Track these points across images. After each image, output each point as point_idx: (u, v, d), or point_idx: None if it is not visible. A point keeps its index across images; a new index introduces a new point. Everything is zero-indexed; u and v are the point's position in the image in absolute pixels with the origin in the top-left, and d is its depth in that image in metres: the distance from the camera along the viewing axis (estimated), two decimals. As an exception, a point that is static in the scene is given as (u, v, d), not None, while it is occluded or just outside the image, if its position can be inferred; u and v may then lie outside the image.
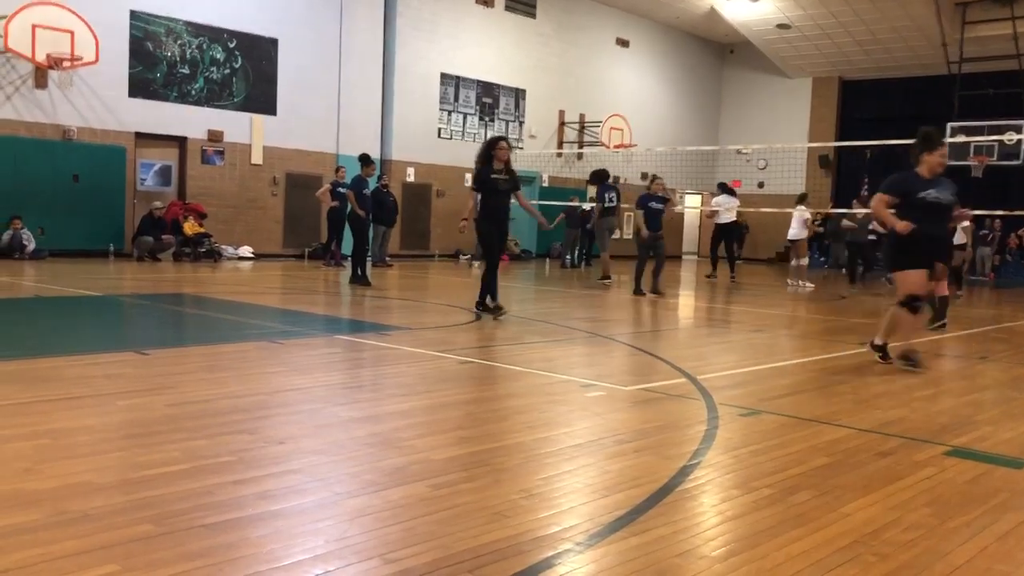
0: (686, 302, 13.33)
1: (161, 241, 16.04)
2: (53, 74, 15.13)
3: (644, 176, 25.62)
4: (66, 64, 14.85)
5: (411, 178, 20.74)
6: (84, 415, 4.27)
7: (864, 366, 6.95)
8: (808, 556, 2.78)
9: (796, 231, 16.33)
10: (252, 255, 17.68)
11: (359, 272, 12.76)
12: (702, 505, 3.34)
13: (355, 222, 13.27)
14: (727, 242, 17.27)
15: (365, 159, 13.76)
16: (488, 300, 9.13)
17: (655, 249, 12.93)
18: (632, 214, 18.55)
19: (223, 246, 17.18)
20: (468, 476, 3.49)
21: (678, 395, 5.40)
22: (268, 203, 18.47)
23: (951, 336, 9.44)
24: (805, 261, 16.50)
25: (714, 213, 17.38)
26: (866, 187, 24.72)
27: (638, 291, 12.74)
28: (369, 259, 13.90)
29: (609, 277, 15.00)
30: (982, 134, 20.36)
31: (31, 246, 14.82)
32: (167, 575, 2.42)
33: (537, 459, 3.84)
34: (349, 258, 15.04)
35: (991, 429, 4.81)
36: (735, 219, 17.51)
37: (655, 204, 12.82)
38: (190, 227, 16.47)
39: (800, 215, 16.31)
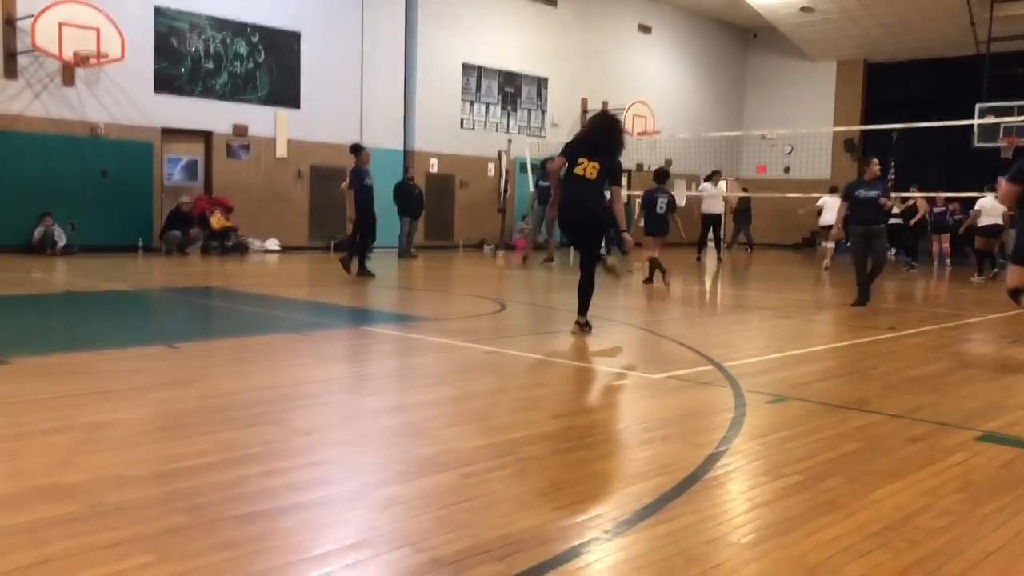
0: (711, 289, 13.26)
1: (188, 235, 16.18)
2: (80, 71, 15.27)
3: (668, 163, 25.52)
4: (92, 61, 14.97)
5: (434, 169, 20.75)
6: (116, 408, 4.33)
7: (893, 351, 6.88)
8: (838, 542, 2.76)
9: (830, 218, 16.81)
10: (279, 248, 17.79)
11: (363, 265, 12.44)
12: (730, 492, 3.33)
13: (361, 213, 12.49)
14: (714, 228, 18.70)
15: (356, 149, 12.83)
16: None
17: (873, 249, 10.07)
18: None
19: (250, 239, 17.30)
20: (497, 465, 3.50)
21: (705, 382, 5.39)
22: (293, 196, 18.57)
23: (981, 320, 9.33)
24: (832, 245, 17.15)
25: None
26: (893, 171, 24.47)
27: (861, 301, 10.03)
28: (368, 256, 13.17)
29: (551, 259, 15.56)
30: (1011, 115, 20.03)
31: (62, 242, 14.99)
32: (200, 565, 2.45)
33: (564, 448, 3.85)
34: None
35: (1023, 414, 4.75)
36: (719, 211, 18.79)
37: (864, 192, 9.95)
38: (217, 221, 16.59)
39: (836, 203, 16.77)
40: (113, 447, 3.63)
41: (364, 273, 12.39)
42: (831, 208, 16.98)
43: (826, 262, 17.08)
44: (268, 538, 2.68)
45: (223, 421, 4.09)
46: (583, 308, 7.27)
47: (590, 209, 7.16)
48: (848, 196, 10.13)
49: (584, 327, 7.23)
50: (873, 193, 10.01)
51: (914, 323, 8.75)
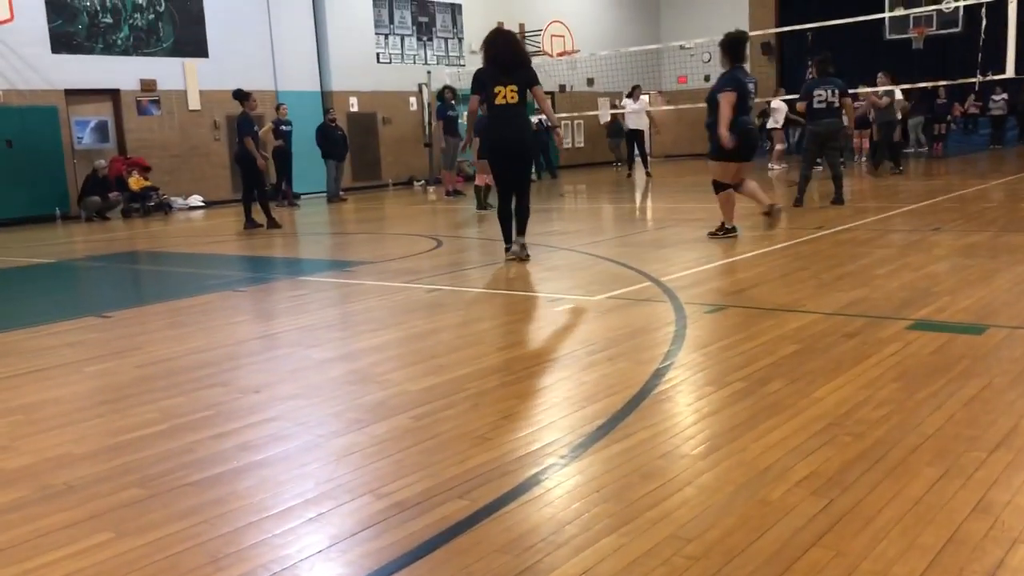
0: (639, 205, 13.36)
1: (108, 199, 15.66)
2: (-32, 37, 14.48)
3: (590, 82, 25.36)
4: (-20, 25, 14.20)
5: (355, 108, 20.31)
6: (53, 386, 4.23)
7: (823, 250, 7.05)
8: (786, 444, 2.86)
9: (773, 121, 18.52)
10: (202, 203, 17.36)
11: (249, 216, 12.05)
12: (679, 405, 3.41)
13: (244, 163, 11.88)
14: (638, 144, 18.79)
15: (240, 95, 12.00)
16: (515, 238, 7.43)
17: (826, 152, 10.60)
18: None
19: (172, 197, 16.82)
20: (448, 403, 3.52)
21: (644, 299, 5.46)
22: (211, 149, 18.05)
23: (904, 210, 9.60)
24: (781, 146, 18.43)
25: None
26: (810, 71, 24.68)
27: (799, 202, 10.36)
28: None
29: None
30: (920, 4, 20.31)
31: (-27, 219, 14.40)
32: (161, 536, 2.43)
33: (513, 379, 3.88)
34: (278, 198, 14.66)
35: (949, 299, 4.93)
36: (642, 126, 18.86)
37: (822, 91, 10.34)
38: (135, 182, 16.07)
39: (780, 106, 18.42)
40: (55, 426, 3.55)
41: (251, 225, 11.98)
42: (779, 111, 18.27)
43: (774, 164, 17.96)
44: (227, 501, 2.67)
45: (167, 388, 4.03)
46: (521, 229, 7.39)
47: (522, 140, 7.24)
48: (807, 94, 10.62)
49: (523, 249, 7.32)
50: (828, 97, 10.44)
51: (841, 220, 8.95)
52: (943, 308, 4.71)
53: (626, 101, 19.11)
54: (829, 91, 10.30)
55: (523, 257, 7.29)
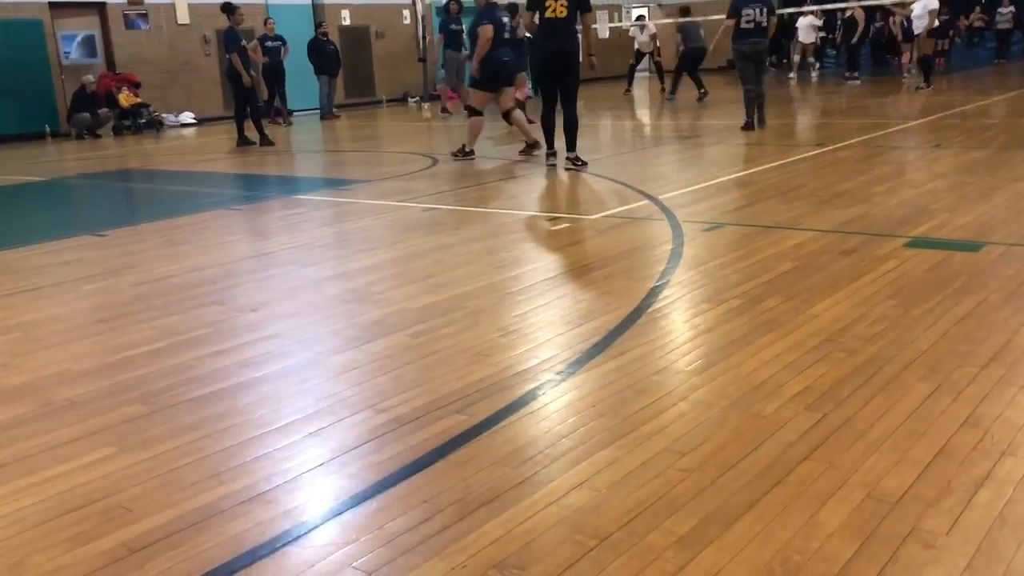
0: (640, 122, 13.21)
1: (98, 116, 15.42)
2: (-53, -53, 14.05)
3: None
4: (-41, -65, 13.77)
5: (346, 21, 19.87)
6: (51, 304, 4.24)
7: (823, 167, 7.00)
8: (781, 359, 2.88)
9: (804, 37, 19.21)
10: (194, 120, 17.12)
11: (242, 134, 11.84)
12: (675, 322, 3.43)
13: (234, 79, 11.57)
14: (654, 62, 18.86)
15: (228, 8, 11.53)
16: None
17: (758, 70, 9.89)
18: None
19: (163, 114, 16.58)
20: (446, 321, 3.53)
21: (642, 217, 5.44)
22: (202, 64, 17.71)
23: (905, 127, 9.50)
24: (797, 58, 19.31)
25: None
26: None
27: (748, 125, 9.88)
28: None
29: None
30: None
31: (-38, 136, 14.21)
32: (163, 451, 2.47)
33: (511, 297, 3.89)
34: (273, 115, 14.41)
35: (948, 216, 4.92)
36: (652, 50, 18.56)
37: (750, 11, 9.67)
38: (125, 98, 15.81)
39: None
40: (55, 344, 3.57)
41: (244, 142, 11.80)
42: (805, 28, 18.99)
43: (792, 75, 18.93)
44: (229, 416, 2.70)
45: (164, 306, 4.04)
46: (572, 144, 7.77)
47: (570, 51, 7.56)
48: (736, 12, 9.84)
49: (577, 162, 7.68)
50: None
51: (842, 136, 8.87)
52: (941, 225, 4.71)
53: (634, 30, 18.83)
54: (757, 10, 9.73)
55: (578, 165, 7.63)
